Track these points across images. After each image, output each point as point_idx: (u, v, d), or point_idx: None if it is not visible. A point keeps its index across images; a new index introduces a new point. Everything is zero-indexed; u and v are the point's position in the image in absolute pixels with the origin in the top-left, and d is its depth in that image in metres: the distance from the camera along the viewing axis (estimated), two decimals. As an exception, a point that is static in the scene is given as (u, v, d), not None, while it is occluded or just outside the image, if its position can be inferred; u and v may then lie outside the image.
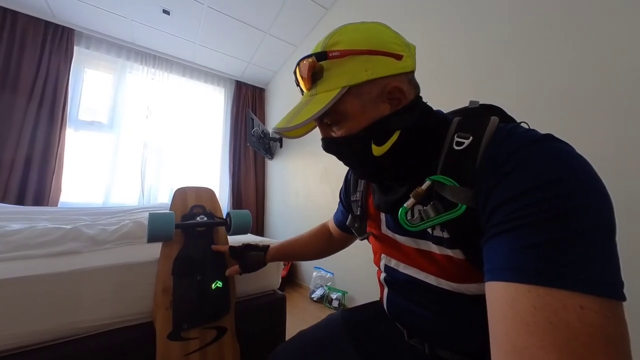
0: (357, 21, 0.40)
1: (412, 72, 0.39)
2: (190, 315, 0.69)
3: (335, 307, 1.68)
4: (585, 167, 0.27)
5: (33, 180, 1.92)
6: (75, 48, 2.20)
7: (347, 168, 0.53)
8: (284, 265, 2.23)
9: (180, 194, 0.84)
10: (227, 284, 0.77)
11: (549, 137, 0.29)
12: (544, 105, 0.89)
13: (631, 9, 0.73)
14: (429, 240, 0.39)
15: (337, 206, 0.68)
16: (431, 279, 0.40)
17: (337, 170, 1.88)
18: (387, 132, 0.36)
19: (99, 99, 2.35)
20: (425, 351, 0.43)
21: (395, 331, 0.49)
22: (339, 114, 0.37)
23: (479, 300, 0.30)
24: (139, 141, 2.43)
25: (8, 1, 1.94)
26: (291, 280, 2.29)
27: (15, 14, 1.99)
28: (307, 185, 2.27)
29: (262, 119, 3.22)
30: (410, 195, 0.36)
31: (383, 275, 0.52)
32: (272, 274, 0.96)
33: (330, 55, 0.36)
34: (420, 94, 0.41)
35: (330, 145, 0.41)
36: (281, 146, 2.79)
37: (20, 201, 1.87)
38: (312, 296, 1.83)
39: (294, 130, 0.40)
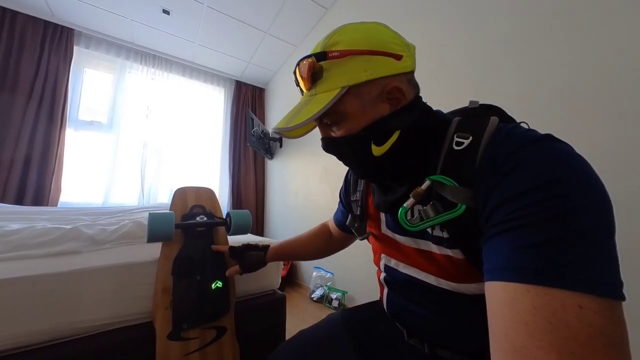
0: (357, 21, 0.40)
1: (412, 72, 0.39)
2: (190, 315, 0.69)
3: (335, 307, 1.68)
4: (585, 167, 0.27)
5: (32, 180, 1.92)
6: (75, 48, 2.20)
7: (346, 168, 0.53)
8: (284, 265, 2.23)
9: (180, 194, 0.84)
10: (227, 284, 0.77)
11: (549, 137, 0.29)
12: (544, 105, 0.89)
13: (631, 9, 0.73)
14: (428, 240, 0.39)
15: (337, 206, 0.68)
16: (431, 279, 0.40)
17: (336, 170, 1.88)
18: (386, 132, 0.36)
19: (98, 99, 2.35)
20: (424, 351, 0.43)
21: (395, 331, 0.49)
22: (339, 114, 0.37)
23: (479, 300, 0.30)
24: (138, 141, 2.43)
25: (7, 1, 1.93)
26: (291, 280, 2.29)
27: (14, 13, 1.98)
28: (307, 185, 2.27)
29: (262, 119, 3.22)
30: (410, 195, 0.36)
31: (383, 275, 0.52)
32: (272, 274, 0.96)
33: (329, 55, 0.36)
34: (420, 94, 0.41)
35: (330, 145, 0.41)
36: (281, 146, 2.79)
37: (19, 201, 1.87)
38: (312, 296, 1.83)
39: (293, 130, 0.40)
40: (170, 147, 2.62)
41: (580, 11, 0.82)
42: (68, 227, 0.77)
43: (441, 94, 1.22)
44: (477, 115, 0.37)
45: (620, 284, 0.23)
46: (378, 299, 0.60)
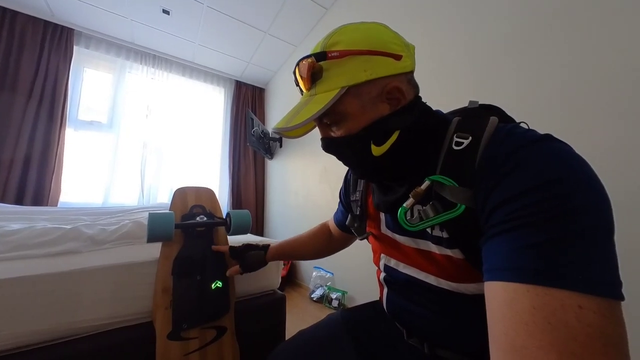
0: (357, 21, 0.40)
1: (412, 72, 0.39)
2: (189, 315, 0.69)
3: (335, 307, 1.68)
4: (584, 167, 0.27)
5: (32, 180, 1.92)
6: (75, 47, 2.20)
7: (346, 168, 0.53)
8: (284, 265, 2.23)
9: (180, 194, 0.84)
10: (227, 284, 0.77)
11: (548, 138, 0.29)
12: (544, 105, 0.89)
13: (631, 9, 0.73)
14: (428, 240, 0.39)
15: (336, 206, 0.68)
16: (431, 279, 0.40)
17: (336, 170, 1.88)
18: (386, 132, 0.36)
19: (98, 99, 2.35)
20: (424, 351, 0.43)
21: (395, 331, 0.49)
22: (338, 114, 0.37)
23: (479, 300, 0.30)
24: (138, 141, 2.43)
25: (7, 1, 1.93)
26: (291, 280, 2.29)
27: (14, 13, 1.98)
28: (307, 185, 2.27)
29: (262, 119, 3.22)
30: (410, 195, 0.36)
31: (382, 274, 0.52)
32: (272, 274, 0.96)
33: (329, 55, 0.36)
34: (420, 94, 0.41)
35: (329, 145, 0.41)
36: (281, 146, 2.79)
37: (19, 201, 1.87)
38: (312, 296, 1.83)
39: (293, 130, 0.40)
40: (170, 147, 2.62)
41: (580, 11, 0.82)
42: (68, 227, 0.77)
43: (441, 94, 1.22)
44: (476, 116, 0.37)
45: (619, 284, 0.23)
46: (378, 299, 0.60)
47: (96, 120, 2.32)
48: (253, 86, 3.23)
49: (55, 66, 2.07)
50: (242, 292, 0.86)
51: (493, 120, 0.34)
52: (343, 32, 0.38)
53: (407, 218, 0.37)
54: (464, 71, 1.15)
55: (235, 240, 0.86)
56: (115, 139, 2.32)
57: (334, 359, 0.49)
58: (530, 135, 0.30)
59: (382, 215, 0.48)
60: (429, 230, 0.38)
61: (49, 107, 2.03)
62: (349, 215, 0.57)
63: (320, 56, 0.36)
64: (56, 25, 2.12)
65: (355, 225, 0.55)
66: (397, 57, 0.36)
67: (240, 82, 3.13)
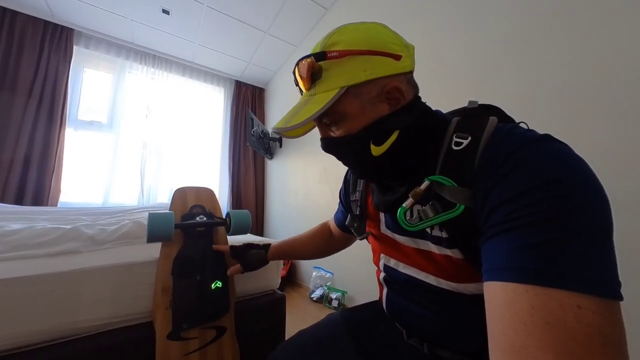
0: (357, 21, 0.40)
1: (411, 72, 0.39)
2: (189, 315, 0.69)
3: (335, 307, 1.68)
4: (583, 168, 0.27)
5: (32, 180, 1.92)
6: (75, 47, 2.20)
7: (346, 168, 0.53)
8: (284, 265, 2.23)
9: (180, 194, 0.84)
10: (227, 284, 0.77)
11: (548, 138, 0.29)
12: (544, 105, 0.89)
13: (631, 9, 0.73)
14: (427, 240, 0.39)
15: (336, 206, 0.68)
16: (430, 279, 0.40)
17: (336, 170, 1.88)
18: (386, 132, 0.36)
19: (98, 99, 2.35)
20: (424, 351, 0.43)
21: (395, 331, 0.49)
22: (338, 114, 0.37)
23: (478, 300, 0.30)
24: (138, 141, 2.43)
25: (7, 1, 1.93)
26: (291, 280, 2.29)
27: (14, 13, 1.98)
28: (307, 185, 2.27)
29: (262, 119, 3.22)
30: (409, 195, 0.36)
31: (382, 274, 0.52)
32: (272, 274, 0.96)
33: (329, 55, 0.36)
34: (420, 94, 0.41)
35: (329, 145, 0.41)
36: (281, 146, 2.79)
37: (19, 201, 1.87)
38: (312, 296, 1.83)
39: (293, 130, 0.39)
40: (170, 147, 2.62)
41: (580, 11, 0.82)
42: (68, 227, 0.77)
43: (441, 94, 1.22)
44: (476, 116, 0.37)
45: (618, 284, 0.23)
46: (378, 299, 0.60)
47: (96, 120, 2.32)
48: (253, 86, 3.23)
49: (55, 66, 2.07)
50: (242, 292, 0.86)
51: (492, 120, 0.34)
52: (343, 32, 0.38)
53: (407, 218, 0.37)
54: (464, 71, 1.15)
55: (235, 240, 0.86)
56: (115, 139, 2.32)
57: (333, 359, 0.49)
58: (530, 136, 0.30)
59: (382, 215, 0.48)
60: (428, 230, 0.38)
61: (49, 107, 2.03)
62: (349, 215, 0.57)
63: (319, 56, 0.36)
64: (56, 25, 2.12)
65: (355, 225, 0.55)
66: (397, 57, 0.36)
67: (240, 82, 3.13)
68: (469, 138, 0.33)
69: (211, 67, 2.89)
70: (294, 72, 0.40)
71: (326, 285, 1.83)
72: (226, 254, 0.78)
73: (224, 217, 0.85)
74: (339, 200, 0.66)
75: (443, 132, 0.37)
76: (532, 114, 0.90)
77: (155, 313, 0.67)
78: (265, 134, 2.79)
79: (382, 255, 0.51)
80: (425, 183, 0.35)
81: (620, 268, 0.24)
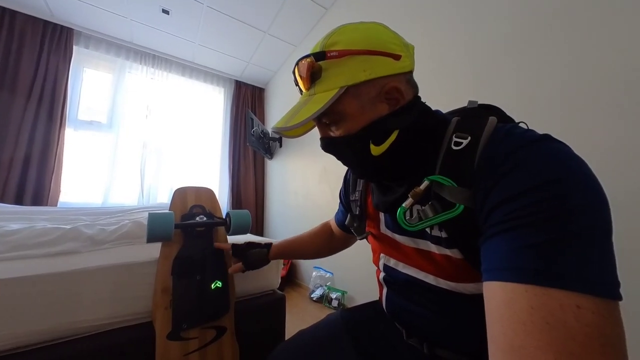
0: (356, 21, 0.40)
1: (411, 72, 0.39)
2: (189, 315, 0.69)
3: (335, 307, 1.68)
4: (583, 168, 0.27)
5: (32, 180, 1.92)
6: (75, 47, 2.20)
7: (346, 168, 0.53)
8: (284, 265, 2.23)
9: (180, 194, 0.84)
10: (227, 284, 0.77)
11: (547, 138, 0.29)
12: (544, 105, 0.89)
13: (631, 9, 0.73)
14: (427, 239, 0.39)
15: (336, 206, 0.68)
16: (430, 279, 0.40)
17: (336, 170, 1.88)
18: (385, 132, 0.36)
19: (98, 99, 2.35)
20: (424, 351, 0.43)
21: (395, 331, 0.49)
22: (338, 113, 0.37)
23: (478, 300, 0.30)
24: (138, 141, 2.43)
25: (7, 0, 1.93)
26: (291, 280, 2.29)
27: (14, 13, 1.98)
28: (307, 185, 2.27)
29: (262, 119, 3.22)
30: (409, 195, 0.36)
31: (382, 274, 0.52)
32: (272, 274, 0.96)
33: (328, 55, 0.36)
34: (420, 94, 0.41)
35: (328, 145, 0.41)
36: (280, 146, 2.79)
37: (19, 201, 1.87)
38: (312, 296, 1.83)
39: (292, 130, 0.39)
40: (170, 147, 2.62)
41: (580, 11, 0.82)
42: (68, 227, 0.77)
43: (441, 94, 1.22)
44: (475, 116, 0.37)
45: (617, 284, 0.23)
46: (377, 298, 0.60)
47: (96, 120, 2.32)
48: (253, 86, 3.23)
49: (54, 66, 2.07)
50: (241, 292, 0.86)
51: (492, 120, 0.34)
52: (342, 32, 0.38)
53: (406, 218, 0.37)
54: (464, 71, 1.15)
55: (235, 240, 0.86)
56: (115, 139, 2.32)
57: (333, 359, 0.49)
58: (529, 136, 0.30)
59: (382, 215, 0.48)
60: (428, 230, 0.38)
61: (49, 107, 2.03)
62: (349, 215, 0.57)
63: (319, 56, 0.36)
64: (56, 25, 2.12)
65: (355, 225, 0.55)
66: (396, 57, 0.36)
67: (240, 82, 3.13)
68: (469, 138, 0.33)
69: (211, 67, 2.89)
70: (293, 72, 0.40)
71: (326, 285, 1.83)
72: (227, 253, 0.78)
73: (224, 217, 0.85)
74: (339, 200, 0.66)
75: (443, 132, 0.37)
76: (532, 114, 0.90)
77: (155, 313, 0.67)
78: (265, 134, 2.79)
79: (381, 255, 0.51)
80: (425, 183, 0.35)
81: (620, 268, 0.24)
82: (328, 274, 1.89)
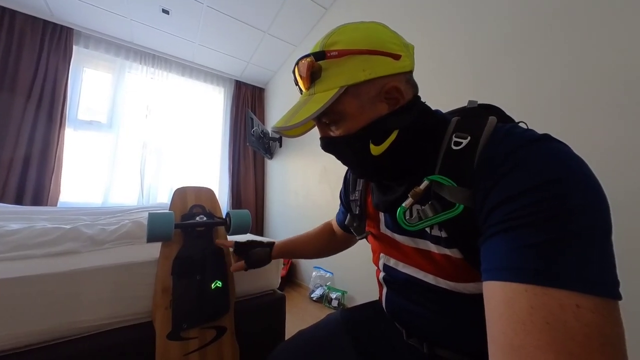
0: (356, 21, 0.40)
1: (411, 72, 0.39)
2: (189, 315, 0.69)
3: (335, 307, 1.68)
4: (583, 168, 0.27)
5: (32, 180, 1.92)
6: (74, 47, 2.20)
7: (346, 167, 0.53)
8: (284, 264, 2.23)
9: (180, 194, 0.84)
10: (227, 284, 0.77)
11: (547, 137, 0.29)
12: (544, 105, 0.89)
13: (631, 9, 0.73)
14: (427, 239, 0.39)
15: (336, 205, 0.69)
16: (430, 278, 0.40)
17: (336, 169, 1.88)
18: (385, 132, 0.36)
19: (98, 99, 2.35)
20: (423, 350, 0.43)
21: (394, 331, 0.49)
22: (337, 113, 0.37)
23: (477, 300, 0.30)
24: (138, 141, 2.43)
25: (7, 0, 1.93)
26: (291, 279, 2.30)
27: (13, 13, 1.98)
28: (307, 185, 2.27)
29: (262, 119, 3.21)
30: (409, 195, 0.36)
31: (382, 274, 0.52)
32: (272, 274, 0.96)
33: (328, 55, 0.36)
34: (420, 94, 0.41)
35: (328, 145, 0.41)
36: (280, 146, 2.79)
37: (19, 201, 1.87)
38: (312, 296, 1.83)
39: (292, 130, 0.39)
40: (170, 147, 2.62)
41: (580, 11, 0.82)
42: (68, 227, 0.77)
43: (441, 93, 1.22)
44: (475, 115, 0.37)
45: (616, 284, 0.23)
46: (377, 298, 0.60)
47: (96, 120, 2.31)
48: (253, 86, 3.23)
49: (54, 66, 2.07)
50: (241, 292, 0.86)
51: (492, 120, 0.34)
52: (342, 31, 0.38)
53: (406, 218, 0.37)
54: (464, 71, 1.15)
55: (235, 239, 0.86)
56: (114, 139, 2.32)
57: (333, 358, 0.49)
58: (529, 135, 0.30)
59: (382, 215, 0.48)
60: (427, 229, 0.38)
61: (49, 106, 2.03)
62: (349, 215, 0.57)
63: (319, 55, 0.36)
64: (55, 24, 2.12)
65: (355, 224, 0.55)
66: (396, 57, 0.36)
67: (240, 82, 3.13)
68: (469, 138, 0.33)
69: (211, 67, 2.89)
70: (293, 72, 0.40)
71: (326, 285, 1.83)
72: (227, 252, 0.78)
73: (224, 217, 0.85)
74: (339, 201, 0.66)
75: (442, 131, 0.37)
76: (532, 114, 0.90)
77: (155, 313, 0.67)
78: (265, 133, 2.79)
79: (381, 254, 0.51)
80: (425, 183, 0.35)
81: (620, 268, 0.24)
82: (328, 274, 1.89)
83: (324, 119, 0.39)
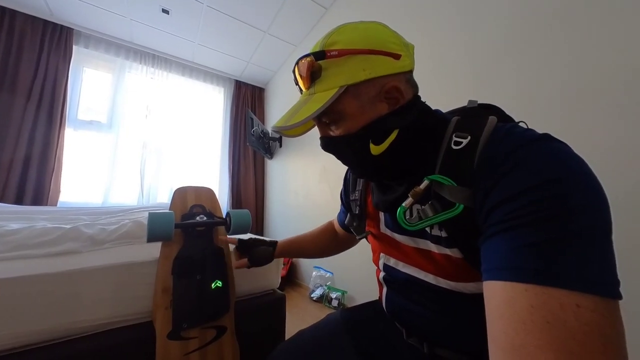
0: (356, 20, 0.40)
1: (411, 71, 0.39)
2: (189, 314, 0.69)
3: (335, 307, 1.68)
4: (583, 167, 0.27)
5: (32, 180, 1.92)
6: (74, 47, 2.20)
7: (346, 167, 0.53)
8: (284, 264, 2.23)
9: (180, 194, 0.84)
10: (227, 284, 0.77)
11: (547, 137, 0.29)
12: (544, 105, 0.89)
13: (631, 9, 0.73)
14: (427, 239, 0.39)
15: (336, 205, 0.69)
16: (430, 278, 0.41)
17: (336, 169, 1.88)
18: (385, 132, 0.36)
19: (98, 99, 2.35)
20: (424, 350, 0.43)
21: (394, 330, 0.49)
22: (337, 113, 0.37)
23: (478, 299, 0.30)
24: (138, 141, 2.43)
25: (7, 0, 1.93)
26: (291, 279, 2.30)
27: (13, 13, 1.98)
28: (307, 185, 2.27)
29: (262, 119, 3.21)
30: (409, 195, 0.36)
31: (382, 274, 0.52)
32: (272, 274, 0.96)
33: (328, 54, 0.36)
34: (420, 94, 0.41)
35: (328, 144, 0.41)
36: (280, 146, 2.79)
37: (19, 201, 1.87)
38: (312, 296, 1.83)
39: (292, 129, 0.39)
40: (170, 147, 2.62)
41: (580, 11, 0.82)
42: (68, 226, 0.77)
43: (441, 93, 1.22)
44: (475, 115, 0.37)
45: (617, 283, 0.23)
46: (377, 298, 0.60)
47: (96, 120, 2.31)
48: (253, 86, 3.23)
49: (54, 66, 2.07)
50: (242, 291, 0.86)
51: (492, 119, 0.34)
52: (342, 31, 0.38)
53: (406, 217, 0.37)
54: (464, 71, 1.15)
55: (235, 239, 0.86)
56: (114, 139, 2.32)
57: (333, 358, 0.49)
58: (529, 135, 0.30)
59: (381, 215, 0.48)
60: (428, 229, 0.38)
61: (49, 106, 2.03)
62: (349, 214, 0.57)
63: (319, 55, 0.36)
64: (55, 24, 2.12)
65: (355, 224, 0.55)
66: (396, 57, 0.36)
67: (240, 81, 3.13)
68: (469, 137, 0.33)
69: (211, 66, 2.89)
70: (293, 71, 0.40)
71: (326, 285, 1.83)
72: (227, 251, 0.78)
73: (224, 216, 0.85)
74: (340, 200, 0.66)
75: (442, 131, 0.37)
76: (532, 114, 0.90)
77: (155, 313, 0.67)
78: (265, 133, 2.79)
79: (381, 254, 0.51)
80: (425, 182, 0.35)
81: (620, 267, 0.24)
82: (328, 274, 1.89)
83: (324, 118, 0.39)
